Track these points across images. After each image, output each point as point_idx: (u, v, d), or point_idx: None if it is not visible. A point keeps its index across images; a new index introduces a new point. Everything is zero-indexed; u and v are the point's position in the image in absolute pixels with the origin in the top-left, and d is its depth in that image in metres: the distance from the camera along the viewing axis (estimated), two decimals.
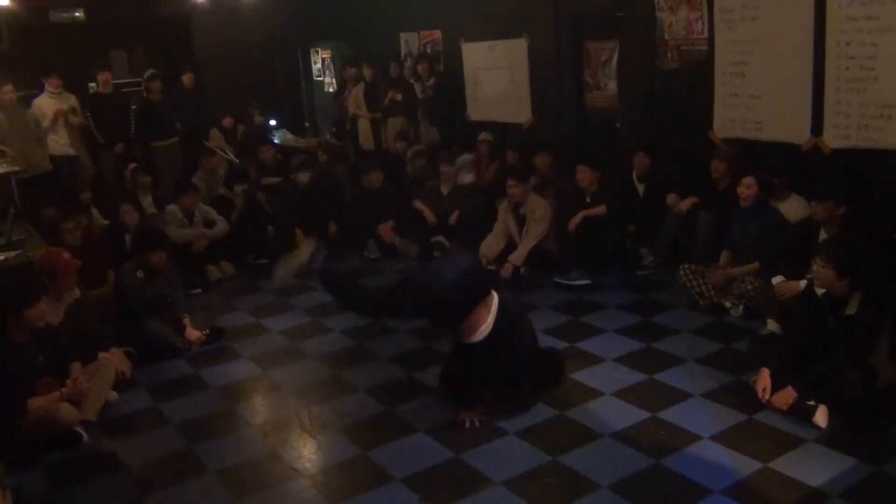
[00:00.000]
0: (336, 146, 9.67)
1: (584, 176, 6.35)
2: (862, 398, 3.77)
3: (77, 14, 10.13)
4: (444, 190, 7.40)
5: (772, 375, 4.04)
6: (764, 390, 4.03)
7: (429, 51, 9.51)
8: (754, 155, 5.82)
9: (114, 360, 4.75)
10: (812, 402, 3.82)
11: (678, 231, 6.21)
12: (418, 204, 7.38)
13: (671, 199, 6.26)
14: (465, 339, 3.98)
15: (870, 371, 3.88)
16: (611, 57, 7.29)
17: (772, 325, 4.87)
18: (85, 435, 4.19)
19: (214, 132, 9.53)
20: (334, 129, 10.50)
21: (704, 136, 6.31)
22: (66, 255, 4.96)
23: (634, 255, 6.39)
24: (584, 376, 4.58)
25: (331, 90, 11.12)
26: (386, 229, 7.36)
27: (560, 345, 5.06)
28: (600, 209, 6.30)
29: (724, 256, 5.43)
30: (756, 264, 5.15)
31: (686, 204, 6.17)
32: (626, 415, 4.09)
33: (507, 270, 6.31)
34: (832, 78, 5.30)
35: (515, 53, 8.21)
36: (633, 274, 6.27)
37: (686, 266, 5.64)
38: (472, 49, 8.86)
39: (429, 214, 7.27)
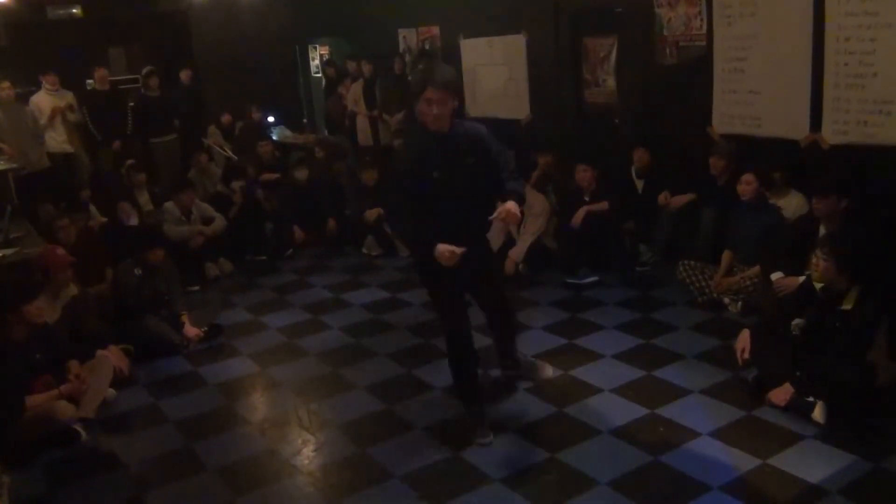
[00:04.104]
0: (333, 142, 9.66)
1: (584, 175, 6.34)
2: (859, 393, 3.78)
3: (74, 11, 10.12)
4: None
5: (767, 366, 4.05)
6: (743, 351, 4.14)
7: (427, 47, 9.50)
8: (753, 151, 5.81)
9: (112, 357, 4.75)
10: (811, 399, 3.82)
11: (673, 227, 6.21)
12: None
13: (662, 197, 6.26)
14: None
15: (868, 367, 3.87)
16: (609, 53, 7.27)
17: None
18: (83, 433, 4.19)
19: (212, 129, 9.54)
20: (328, 127, 10.52)
21: (703, 132, 6.30)
22: (60, 251, 4.96)
23: (633, 251, 6.39)
24: (582, 373, 4.58)
25: None
26: (373, 215, 7.29)
27: (559, 341, 5.06)
28: (602, 205, 6.29)
29: (725, 258, 5.42)
30: (757, 268, 5.15)
31: (679, 201, 6.17)
32: (625, 411, 4.09)
33: (509, 267, 6.31)
34: (831, 74, 5.29)
35: (514, 50, 8.19)
36: (633, 270, 6.27)
37: (685, 262, 5.64)
38: (471, 45, 8.84)
39: None
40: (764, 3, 5.71)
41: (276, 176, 8.29)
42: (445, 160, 3.65)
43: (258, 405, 4.64)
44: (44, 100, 8.37)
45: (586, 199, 6.37)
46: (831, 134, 5.36)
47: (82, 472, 3.95)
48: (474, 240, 3.79)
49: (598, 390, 4.35)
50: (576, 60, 7.61)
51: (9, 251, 5.48)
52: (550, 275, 6.26)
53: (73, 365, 4.39)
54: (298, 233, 7.64)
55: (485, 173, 3.76)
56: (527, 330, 5.29)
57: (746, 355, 4.16)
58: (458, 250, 3.53)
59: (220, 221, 7.08)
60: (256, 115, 9.90)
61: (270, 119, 10.75)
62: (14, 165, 7.22)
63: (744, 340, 4.20)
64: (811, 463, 3.48)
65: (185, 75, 9.42)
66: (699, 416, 3.98)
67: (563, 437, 3.88)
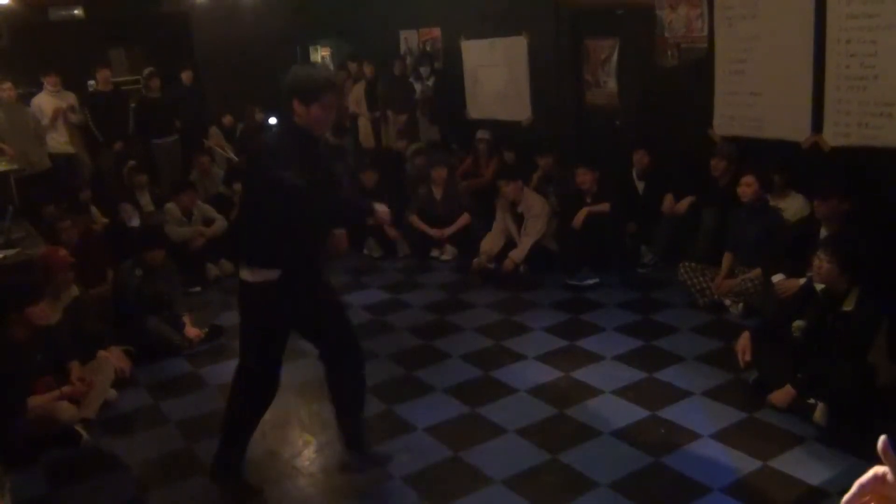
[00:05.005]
0: (332, 144, 9.65)
1: (585, 178, 6.36)
2: (859, 395, 3.77)
3: (76, 12, 10.12)
4: (438, 195, 7.28)
5: (768, 367, 4.05)
6: (744, 352, 4.15)
7: (428, 48, 9.50)
8: (754, 152, 5.81)
9: (113, 358, 4.75)
10: (812, 401, 3.82)
11: (674, 229, 6.21)
12: (415, 221, 7.19)
13: (667, 204, 6.26)
14: None
15: (869, 369, 3.87)
16: (611, 55, 7.27)
17: None
18: (84, 434, 4.19)
19: (214, 130, 9.53)
20: (331, 129, 10.49)
21: (704, 133, 6.30)
22: (62, 252, 4.96)
23: (634, 252, 6.39)
24: (583, 374, 4.58)
25: None
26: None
27: (560, 343, 5.06)
28: (604, 206, 6.30)
29: (726, 261, 5.42)
30: (758, 270, 5.15)
31: (683, 205, 6.18)
32: (626, 413, 4.09)
33: (507, 266, 6.32)
34: (832, 76, 5.29)
35: (515, 51, 8.20)
36: (633, 272, 6.27)
37: (686, 264, 5.63)
38: (472, 47, 8.84)
39: (436, 232, 7.13)
40: (765, 4, 5.71)
41: None
42: (315, 166, 3.31)
43: None
44: (45, 100, 8.37)
45: (588, 200, 6.38)
46: (832, 136, 5.36)
47: (83, 473, 3.95)
48: (322, 266, 3.50)
49: (599, 392, 4.35)
50: (577, 62, 7.62)
51: (10, 252, 5.48)
52: (551, 276, 6.26)
53: (75, 367, 4.39)
54: None
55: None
56: (528, 331, 5.30)
57: (748, 357, 4.16)
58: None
59: (220, 223, 7.08)
60: (259, 117, 9.90)
61: (272, 121, 10.74)
62: (15, 166, 7.22)
63: (744, 342, 4.20)
64: (812, 465, 3.49)
65: (186, 76, 9.41)
66: (700, 417, 3.98)
67: (564, 439, 3.88)
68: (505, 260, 6.39)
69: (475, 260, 6.57)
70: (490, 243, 6.60)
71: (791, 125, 5.64)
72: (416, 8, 9.43)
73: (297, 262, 3.32)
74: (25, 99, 8.41)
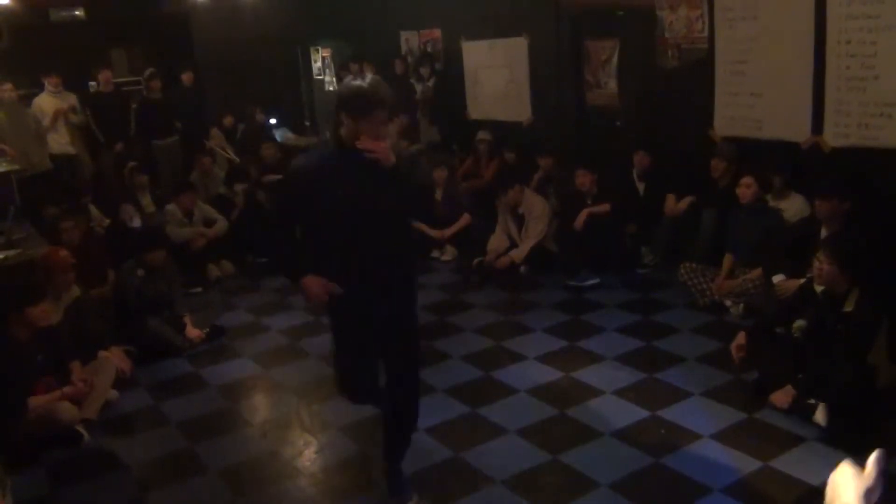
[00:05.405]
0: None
1: (584, 179, 6.37)
2: (860, 396, 3.78)
3: (77, 13, 10.15)
4: (438, 195, 7.22)
5: (768, 368, 4.06)
6: (738, 350, 4.22)
7: (429, 49, 9.51)
8: (754, 153, 5.82)
9: (114, 358, 4.76)
10: (812, 401, 3.83)
11: (675, 230, 6.21)
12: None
13: (668, 205, 6.27)
14: None
15: (869, 369, 3.87)
16: (611, 55, 7.28)
17: None
18: (85, 434, 4.19)
19: (214, 131, 9.55)
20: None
21: (704, 134, 6.30)
22: (62, 252, 4.97)
23: (634, 253, 6.40)
24: (584, 375, 4.58)
25: (331, 89, 11.13)
26: None
27: (560, 343, 5.06)
28: (604, 207, 6.31)
29: (726, 261, 5.43)
30: (759, 270, 5.15)
31: (683, 205, 6.18)
32: (627, 413, 4.09)
33: (503, 262, 6.33)
34: (832, 76, 5.29)
35: (515, 52, 8.20)
36: (634, 273, 6.27)
37: (686, 264, 5.64)
38: (472, 48, 8.85)
39: (436, 233, 7.11)
40: (765, 5, 5.71)
41: (278, 177, 8.28)
42: (360, 181, 3.05)
43: (259, 407, 4.65)
44: (46, 101, 8.38)
45: (588, 201, 6.38)
46: (832, 137, 5.36)
47: (84, 474, 3.95)
48: (390, 287, 3.23)
49: (600, 392, 4.36)
50: (577, 63, 7.62)
51: (11, 253, 5.49)
52: (551, 277, 6.26)
53: (76, 367, 4.40)
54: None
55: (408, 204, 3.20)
56: (528, 332, 5.30)
57: (742, 353, 4.19)
58: (330, 286, 3.13)
59: (221, 223, 7.09)
60: (260, 117, 9.92)
61: (273, 121, 10.76)
62: (16, 167, 7.22)
63: (739, 341, 4.23)
64: (813, 465, 3.48)
65: (186, 77, 9.42)
66: (700, 418, 3.98)
67: (564, 439, 3.88)
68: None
69: (476, 259, 6.58)
70: (496, 242, 6.61)
71: (791, 126, 5.63)
72: (416, 9, 9.44)
73: (328, 273, 3.18)
74: (26, 100, 8.43)
